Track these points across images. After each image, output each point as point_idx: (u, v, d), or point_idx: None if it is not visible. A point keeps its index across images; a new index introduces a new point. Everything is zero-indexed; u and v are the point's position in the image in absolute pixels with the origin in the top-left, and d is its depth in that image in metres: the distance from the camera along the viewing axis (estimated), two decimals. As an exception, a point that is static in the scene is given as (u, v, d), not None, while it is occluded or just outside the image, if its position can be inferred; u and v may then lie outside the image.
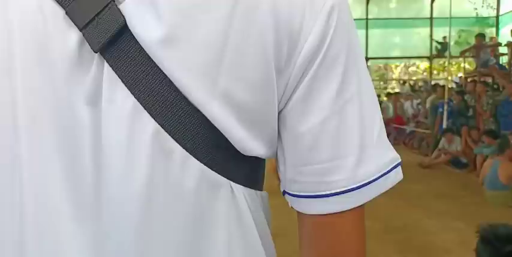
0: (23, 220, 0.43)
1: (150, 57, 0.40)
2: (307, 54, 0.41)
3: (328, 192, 0.43)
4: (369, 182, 0.43)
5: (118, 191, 0.41)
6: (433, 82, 10.97)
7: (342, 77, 0.42)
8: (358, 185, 0.43)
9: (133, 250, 0.42)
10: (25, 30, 0.42)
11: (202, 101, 0.41)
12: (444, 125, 7.28)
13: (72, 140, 0.42)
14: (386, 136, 0.46)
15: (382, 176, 0.44)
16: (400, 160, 0.46)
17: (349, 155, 0.42)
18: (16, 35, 0.42)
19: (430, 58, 12.42)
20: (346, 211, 0.43)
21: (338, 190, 0.42)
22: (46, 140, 0.42)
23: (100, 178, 0.42)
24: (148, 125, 0.41)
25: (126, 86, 0.40)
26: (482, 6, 11.34)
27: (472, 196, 4.61)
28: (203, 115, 0.41)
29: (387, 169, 0.44)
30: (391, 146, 0.46)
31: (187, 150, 0.41)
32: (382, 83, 14.49)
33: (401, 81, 12.59)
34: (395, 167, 0.45)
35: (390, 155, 0.45)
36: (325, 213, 0.43)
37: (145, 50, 0.40)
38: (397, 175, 0.45)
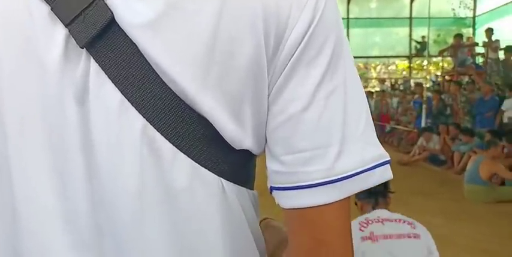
0: (16, 220, 0.43)
1: (138, 51, 0.39)
2: (293, 44, 0.41)
3: (306, 183, 0.42)
4: (349, 176, 0.42)
5: (110, 190, 0.41)
6: (412, 81, 11.15)
7: (327, 67, 0.42)
8: (336, 177, 0.41)
9: (130, 247, 0.42)
10: (9, 28, 0.41)
11: (194, 93, 0.40)
12: (423, 124, 7.42)
13: (61, 138, 0.41)
14: (374, 133, 0.45)
15: (364, 171, 0.42)
16: (388, 158, 0.44)
17: (331, 146, 0.42)
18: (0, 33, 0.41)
19: (409, 57, 12.62)
20: (326, 205, 0.42)
21: (316, 182, 0.41)
22: (34, 139, 0.42)
23: (91, 176, 0.41)
24: (136, 121, 0.40)
25: (112, 81, 0.40)
26: (460, 7, 11.59)
27: (451, 192, 4.71)
28: (192, 109, 0.41)
29: (371, 165, 0.43)
30: (379, 143, 0.45)
31: (176, 146, 0.41)
32: (362, 82, 14.61)
33: (381, 80, 12.76)
34: (382, 164, 0.44)
35: (376, 151, 0.44)
36: (304, 206, 0.42)
37: (135, 43, 0.39)
38: (384, 173, 0.44)
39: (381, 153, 0.44)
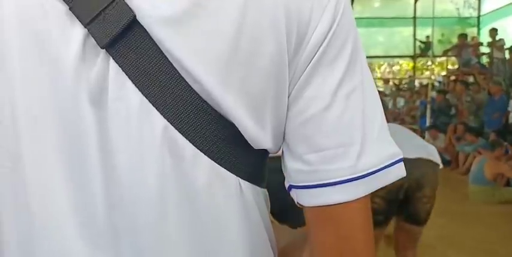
0: (31, 221, 0.42)
1: (160, 51, 0.39)
2: (315, 44, 0.41)
3: (330, 181, 0.42)
4: (371, 173, 0.43)
5: (129, 192, 0.41)
6: (417, 81, 11.12)
7: (347, 67, 0.42)
8: (360, 174, 0.42)
9: (149, 249, 0.42)
10: (23, 27, 0.40)
11: (217, 93, 0.40)
12: (427, 123, 7.40)
13: (77, 139, 0.41)
14: (388, 131, 0.46)
15: (383, 169, 0.44)
16: (402, 156, 0.46)
17: (353, 144, 0.42)
18: (13, 32, 0.41)
19: (413, 57, 12.58)
20: (349, 202, 0.43)
21: (340, 179, 0.42)
22: (48, 140, 0.41)
23: (108, 177, 0.41)
24: (157, 122, 0.40)
25: (132, 82, 0.40)
26: (464, 7, 11.55)
27: (455, 192, 4.69)
28: (214, 109, 0.41)
29: (388, 163, 0.44)
30: (393, 141, 0.46)
31: (197, 147, 0.41)
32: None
33: (385, 80, 12.74)
34: (397, 162, 0.45)
35: (392, 149, 0.45)
36: (328, 204, 0.43)
37: (156, 43, 0.39)
38: (399, 171, 0.45)
39: (395, 151, 0.45)
